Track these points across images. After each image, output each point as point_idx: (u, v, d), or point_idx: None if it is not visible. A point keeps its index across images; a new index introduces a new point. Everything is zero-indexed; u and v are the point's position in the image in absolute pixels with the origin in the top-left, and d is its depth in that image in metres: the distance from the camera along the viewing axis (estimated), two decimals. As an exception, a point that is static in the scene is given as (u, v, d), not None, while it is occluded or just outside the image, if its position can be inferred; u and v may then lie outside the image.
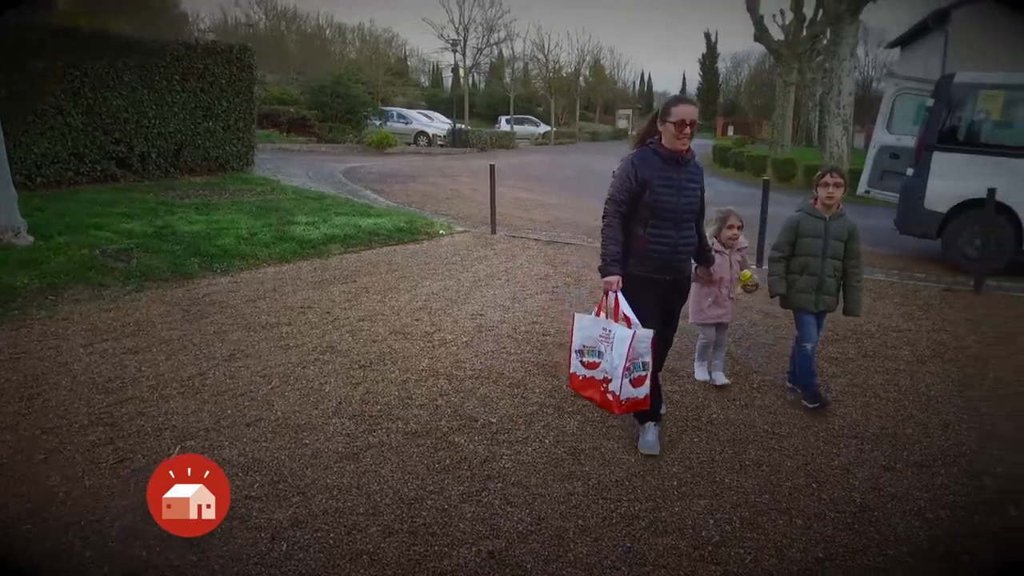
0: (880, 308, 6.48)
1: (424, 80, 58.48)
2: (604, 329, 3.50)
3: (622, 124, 49.42)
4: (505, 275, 7.52)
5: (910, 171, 8.46)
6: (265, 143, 19.82)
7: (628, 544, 2.86)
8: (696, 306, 4.43)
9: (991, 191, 6.85)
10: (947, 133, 8.25)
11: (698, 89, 68.43)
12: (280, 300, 6.26)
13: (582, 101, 44.86)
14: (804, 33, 23.76)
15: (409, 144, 28.14)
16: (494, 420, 3.97)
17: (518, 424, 3.93)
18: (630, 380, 3.40)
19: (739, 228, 4.40)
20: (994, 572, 2.74)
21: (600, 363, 3.51)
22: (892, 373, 4.82)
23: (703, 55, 65.11)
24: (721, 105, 62.33)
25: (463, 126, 31.34)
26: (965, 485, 3.36)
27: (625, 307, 3.44)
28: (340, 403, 4.15)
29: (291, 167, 16.78)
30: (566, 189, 17.00)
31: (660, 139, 3.48)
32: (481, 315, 6.00)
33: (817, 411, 4.18)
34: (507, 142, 31.70)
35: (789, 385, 4.50)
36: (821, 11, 21.57)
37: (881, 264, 8.60)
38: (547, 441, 3.74)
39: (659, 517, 3.05)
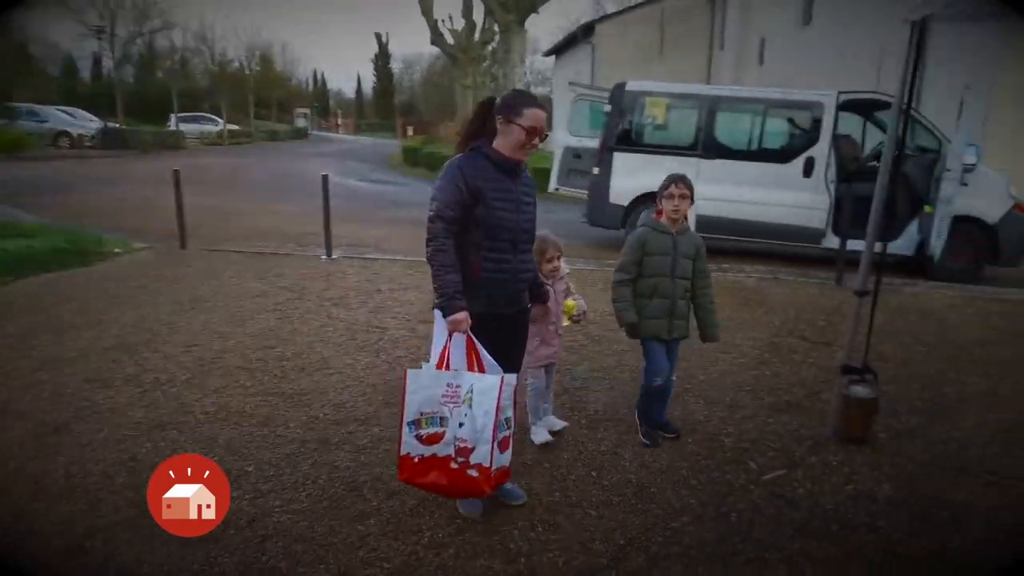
0: (591, 295, 7.06)
1: (54, 70, 49.85)
2: (450, 385, 2.74)
3: (301, 123, 47.83)
4: (213, 295, 6.69)
5: (595, 170, 9.46)
6: None
7: (443, 577, 2.66)
8: None
9: (665, 184, 7.93)
10: (623, 135, 9.38)
11: (373, 89, 69.25)
12: (-92, 357, 4.77)
13: (255, 98, 42.36)
14: (476, 39, 25.26)
15: (48, 146, 23.84)
16: (250, 469, 3.44)
17: (281, 468, 3.46)
18: (499, 443, 2.72)
19: (559, 257, 3.73)
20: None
21: (444, 433, 2.73)
22: (620, 354, 5.27)
23: (376, 55, 65.89)
24: (399, 106, 63.75)
25: (117, 125, 27.47)
26: (709, 448, 3.78)
27: (481, 350, 2.79)
28: (37, 482, 3.25)
29: None
30: (258, 194, 15.84)
31: (492, 141, 2.87)
32: (196, 345, 5.24)
33: (577, 410, 4.18)
34: (175, 142, 28.56)
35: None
36: (490, 18, 23.12)
37: (579, 254, 9.46)
38: (321, 481, 3.35)
39: (465, 539, 2.90)
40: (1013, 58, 12.30)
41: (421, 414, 2.76)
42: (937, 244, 7.47)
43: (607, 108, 9.39)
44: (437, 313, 2.85)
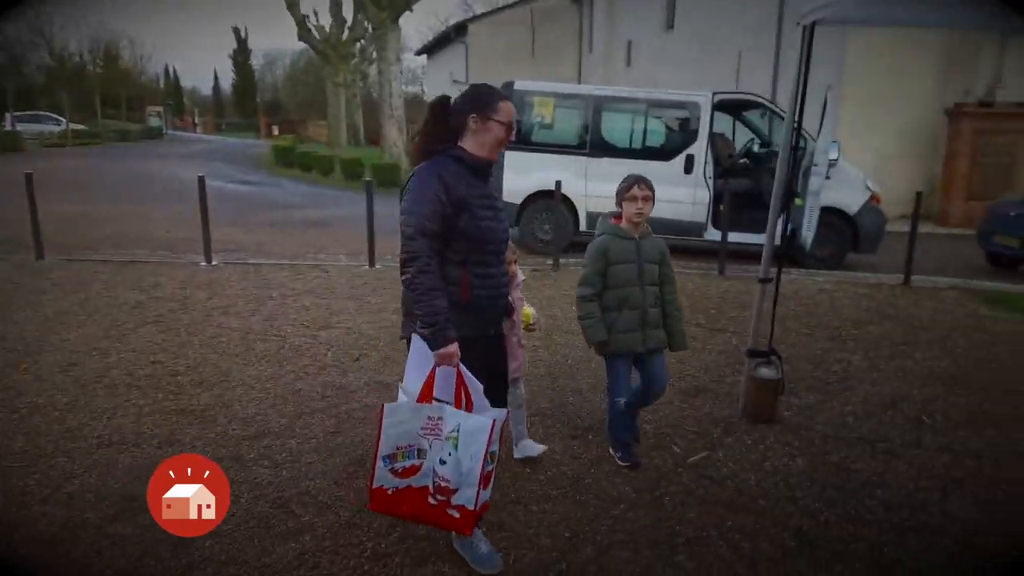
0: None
1: None
2: (431, 419, 2.47)
3: (154, 122, 44.62)
4: (82, 309, 6.13)
5: (490, 169, 9.46)
6: None
7: (393, 589, 2.57)
8: None
9: (558, 183, 8.07)
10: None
11: (233, 86, 65.86)
12: None
13: (101, 96, 39.17)
14: (346, 36, 24.63)
15: None
16: (161, 493, 3.17)
17: (196, 490, 3.21)
18: (482, 480, 2.48)
19: (515, 261, 3.39)
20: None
21: (421, 464, 2.50)
22: (533, 349, 5.30)
23: (234, 51, 62.61)
24: (262, 104, 61.01)
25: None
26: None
27: (472, 384, 2.48)
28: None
29: None
30: (118, 198, 14.64)
31: (459, 141, 2.56)
32: (74, 365, 4.77)
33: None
34: (12, 144, 25.84)
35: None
36: (361, 14, 22.63)
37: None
38: (243, 500, 3.14)
39: (410, 547, 2.80)
40: (851, 61, 13.58)
41: (397, 448, 2.50)
42: (808, 235, 8.08)
43: (497, 107, 9.41)
44: (417, 340, 2.51)
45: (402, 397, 2.55)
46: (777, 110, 9.56)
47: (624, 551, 2.83)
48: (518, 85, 9.32)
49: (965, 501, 3.27)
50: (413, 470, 2.51)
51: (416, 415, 2.49)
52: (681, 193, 9.11)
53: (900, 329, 6.12)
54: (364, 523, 2.97)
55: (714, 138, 9.26)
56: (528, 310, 3.50)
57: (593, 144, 9.27)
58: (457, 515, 2.47)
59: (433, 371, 2.46)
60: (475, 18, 24.94)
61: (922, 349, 5.54)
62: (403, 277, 2.44)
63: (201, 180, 8.28)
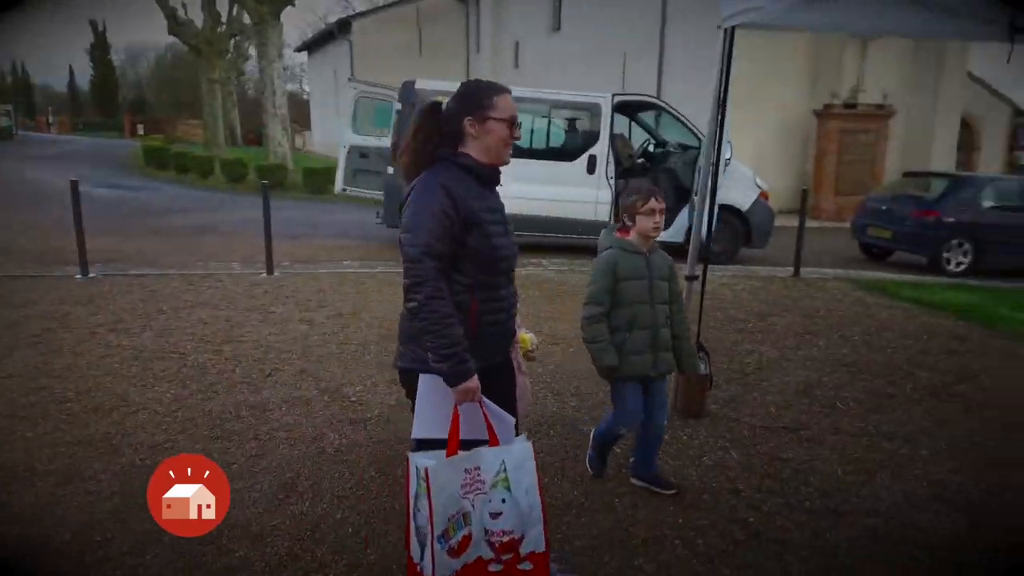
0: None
1: None
2: (468, 471, 2.09)
3: (3, 122, 40.69)
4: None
5: (390, 169, 9.21)
6: None
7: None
8: None
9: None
10: (415, 133, 9.24)
11: (91, 83, 61.21)
12: None
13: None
14: (222, 30, 23.39)
15: None
16: (67, 537, 2.84)
17: (108, 529, 2.90)
18: None
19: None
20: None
21: (471, 533, 2.09)
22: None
23: (92, 46, 58.19)
24: (125, 102, 57.05)
25: None
26: (573, 438, 3.84)
27: (498, 418, 2.17)
28: None
29: None
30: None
31: (460, 146, 2.22)
32: (-62, 395, 4.22)
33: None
34: None
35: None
36: (236, 9, 21.55)
37: (380, 255, 9.22)
38: (165, 538, 2.82)
39: (363, 574, 2.65)
40: (737, 61, 14.29)
41: (449, 520, 2.06)
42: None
43: (398, 107, 9.20)
44: (423, 385, 2.18)
45: (425, 461, 2.07)
46: (672, 111, 9.89)
47: (583, 557, 2.79)
48: (419, 84, 9.11)
49: (888, 482, 3.47)
50: (465, 543, 2.08)
51: (453, 473, 2.08)
52: (585, 193, 9.24)
53: (799, 319, 6.49)
54: (306, 553, 2.78)
55: (614, 139, 9.46)
56: (526, 335, 3.17)
57: None
58: (530, 566, 2.15)
59: (456, 413, 2.11)
60: (359, 15, 24.39)
61: (823, 337, 5.88)
62: (409, 305, 2.10)
63: (74, 184, 7.58)
